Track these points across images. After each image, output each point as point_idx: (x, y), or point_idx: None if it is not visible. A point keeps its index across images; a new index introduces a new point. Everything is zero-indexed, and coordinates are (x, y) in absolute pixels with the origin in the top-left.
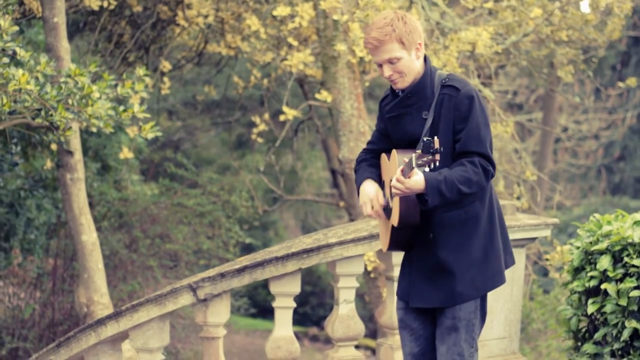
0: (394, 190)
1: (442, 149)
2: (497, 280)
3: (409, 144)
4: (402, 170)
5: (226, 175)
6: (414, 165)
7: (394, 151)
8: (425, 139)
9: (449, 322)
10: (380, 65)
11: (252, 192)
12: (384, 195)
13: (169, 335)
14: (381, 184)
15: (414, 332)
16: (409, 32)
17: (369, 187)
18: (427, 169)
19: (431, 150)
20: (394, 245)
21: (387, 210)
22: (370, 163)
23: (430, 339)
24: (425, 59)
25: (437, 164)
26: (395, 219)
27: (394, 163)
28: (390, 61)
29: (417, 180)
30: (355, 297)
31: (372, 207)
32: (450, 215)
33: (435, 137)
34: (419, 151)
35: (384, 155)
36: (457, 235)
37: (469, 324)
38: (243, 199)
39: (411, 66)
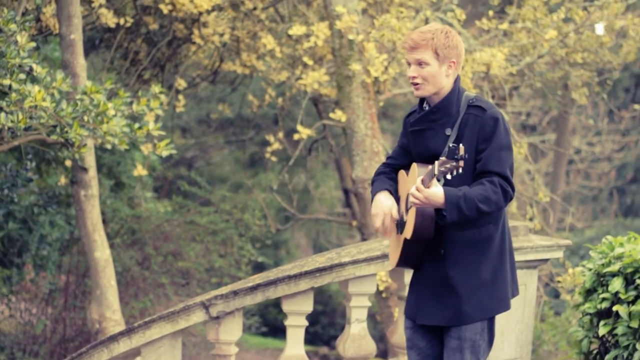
0: (411, 199)
1: (466, 156)
2: (503, 305)
3: (428, 160)
4: (422, 180)
5: (239, 194)
6: (435, 172)
7: (414, 164)
8: (450, 145)
9: (454, 342)
10: (409, 65)
11: (265, 210)
12: (399, 210)
13: (181, 352)
14: (397, 199)
15: (421, 352)
16: (446, 46)
17: (385, 200)
18: (449, 176)
19: (456, 157)
20: (403, 261)
21: (400, 225)
22: (388, 176)
23: (438, 359)
24: (457, 78)
25: (460, 170)
26: (409, 232)
27: (413, 175)
28: (419, 63)
29: (437, 191)
30: (366, 317)
31: (383, 222)
32: (464, 234)
33: (461, 145)
34: (442, 158)
35: (402, 171)
36: (468, 255)
37: (474, 344)
38: (256, 218)
39: (437, 77)
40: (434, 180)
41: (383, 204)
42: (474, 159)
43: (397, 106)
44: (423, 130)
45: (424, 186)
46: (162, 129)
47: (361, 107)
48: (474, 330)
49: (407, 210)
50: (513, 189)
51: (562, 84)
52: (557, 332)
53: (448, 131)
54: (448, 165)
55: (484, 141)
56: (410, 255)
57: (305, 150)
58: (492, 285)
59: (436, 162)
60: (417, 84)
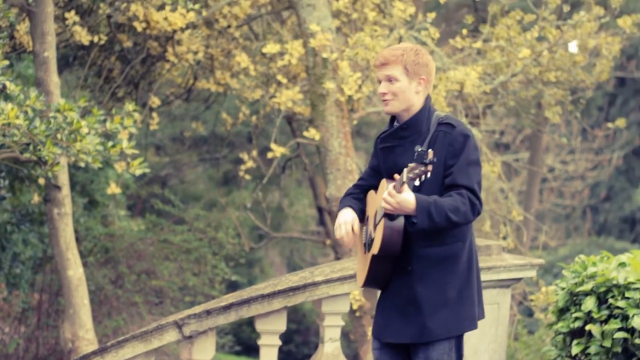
0: (383, 204)
1: (435, 160)
2: (469, 324)
3: None
4: (394, 186)
5: (213, 212)
6: (404, 179)
7: (383, 180)
8: (419, 150)
9: None
10: (380, 82)
11: (239, 229)
12: (367, 229)
13: None
14: (365, 219)
15: None
16: (416, 62)
17: (347, 213)
18: (417, 182)
19: (424, 161)
20: (371, 279)
21: (368, 244)
22: (355, 197)
23: None
24: (427, 97)
25: (429, 175)
26: (376, 246)
27: (382, 191)
28: (389, 79)
29: (408, 197)
30: (340, 336)
31: (345, 231)
32: (431, 251)
33: (430, 150)
34: (411, 164)
35: (371, 191)
36: (435, 271)
37: None
38: (229, 236)
39: (407, 93)
40: (405, 186)
41: (344, 216)
42: (443, 175)
43: (370, 124)
44: (393, 147)
45: (396, 192)
46: (136, 147)
47: (335, 126)
48: (440, 350)
49: (375, 227)
50: (481, 204)
51: (535, 103)
52: (530, 351)
53: (418, 148)
54: (417, 171)
55: (452, 157)
56: (377, 272)
57: (279, 169)
58: (457, 303)
59: (405, 170)
60: (387, 100)
